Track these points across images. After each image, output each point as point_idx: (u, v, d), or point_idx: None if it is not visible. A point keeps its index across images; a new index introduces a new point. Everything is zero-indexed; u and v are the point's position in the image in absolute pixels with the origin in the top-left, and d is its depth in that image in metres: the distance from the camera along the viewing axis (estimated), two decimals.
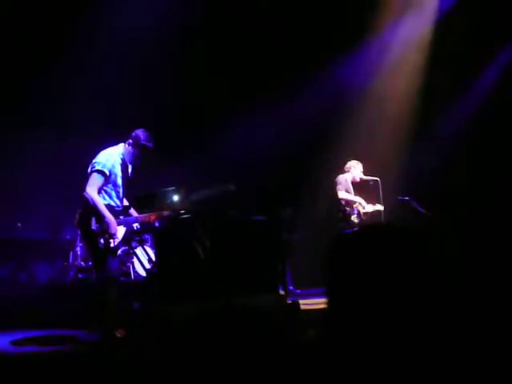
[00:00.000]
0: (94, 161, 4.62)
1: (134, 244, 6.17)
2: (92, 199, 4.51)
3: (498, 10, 7.46)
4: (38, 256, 7.84)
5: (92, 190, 4.52)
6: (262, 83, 8.06)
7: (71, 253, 7.98)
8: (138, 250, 6.33)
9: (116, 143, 4.81)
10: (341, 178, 6.98)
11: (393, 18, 7.96)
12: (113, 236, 4.57)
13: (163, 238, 5.67)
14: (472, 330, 1.24)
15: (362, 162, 7.14)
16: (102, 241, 4.58)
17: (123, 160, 4.75)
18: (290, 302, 5.08)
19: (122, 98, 7.53)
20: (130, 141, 4.68)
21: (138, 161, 4.75)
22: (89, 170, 4.61)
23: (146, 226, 5.25)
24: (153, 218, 4.86)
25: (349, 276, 1.21)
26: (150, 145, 4.68)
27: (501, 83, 8.05)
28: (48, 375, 3.32)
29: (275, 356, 1.14)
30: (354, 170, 7.07)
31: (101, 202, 4.57)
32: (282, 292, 7.15)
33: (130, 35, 6.94)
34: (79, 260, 8.00)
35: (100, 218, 4.53)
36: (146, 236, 7.25)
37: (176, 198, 5.23)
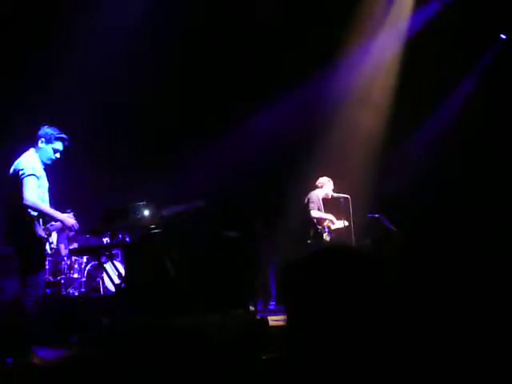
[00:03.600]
0: (20, 168, 4.36)
1: (103, 259, 6.14)
2: (34, 205, 4.32)
3: (465, 36, 7.71)
4: (7, 270, 7.70)
5: (32, 195, 4.31)
6: (235, 99, 8.16)
7: None
8: (108, 265, 6.28)
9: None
10: (313, 195, 7.06)
11: (363, 39, 8.15)
12: (74, 229, 4.59)
13: (133, 253, 5.65)
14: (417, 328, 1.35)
15: (333, 180, 7.25)
16: (47, 247, 4.59)
17: (42, 162, 4.56)
18: (259, 318, 5.11)
19: (97, 109, 7.53)
20: (43, 139, 4.52)
21: (58, 154, 4.59)
22: (20, 178, 4.34)
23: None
24: None
25: (301, 296, 1.31)
26: (65, 135, 4.61)
27: (467, 106, 8.30)
28: None
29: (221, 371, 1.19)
30: (326, 186, 7.17)
31: (43, 204, 4.42)
32: (252, 308, 7.16)
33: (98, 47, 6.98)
34: (47, 274, 7.90)
35: (44, 221, 4.47)
36: (116, 251, 7.23)
37: (146, 212, 5.22)
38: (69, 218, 4.53)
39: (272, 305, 7.78)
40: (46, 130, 4.55)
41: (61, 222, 4.51)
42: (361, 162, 8.30)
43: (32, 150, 4.54)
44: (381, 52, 8.29)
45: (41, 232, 4.44)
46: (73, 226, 4.53)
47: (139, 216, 5.14)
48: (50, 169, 4.73)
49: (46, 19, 6.97)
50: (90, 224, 5.75)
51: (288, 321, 1.37)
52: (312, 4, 7.65)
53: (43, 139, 4.52)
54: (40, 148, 4.53)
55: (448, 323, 1.39)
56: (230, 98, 8.18)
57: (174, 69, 7.90)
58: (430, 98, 8.27)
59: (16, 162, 4.49)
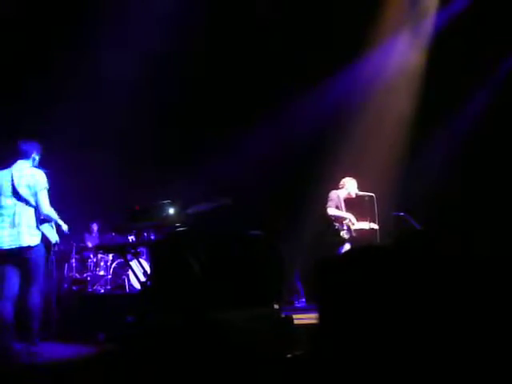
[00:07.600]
0: (38, 181, 4.78)
1: (129, 256, 6.20)
2: (52, 213, 4.83)
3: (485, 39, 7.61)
4: None
5: (49, 205, 4.81)
6: (258, 100, 8.16)
7: (66, 264, 8.00)
8: (133, 263, 6.34)
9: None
10: (333, 193, 7.00)
11: (388, 37, 8.08)
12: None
13: (158, 250, 5.68)
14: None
15: (357, 178, 7.19)
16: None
17: None
18: (283, 316, 5.08)
19: (121, 111, 7.61)
20: (35, 151, 4.94)
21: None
22: (35, 189, 4.76)
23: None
24: None
25: (335, 294, 1.29)
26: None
27: (491, 106, 8.16)
28: None
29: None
30: (349, 186, 7.11)
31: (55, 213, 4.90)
32: (276, 306, 7.14)
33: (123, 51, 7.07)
34: (74, 272, 8.02)
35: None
36: (141, 249, 7.30)
37: (172, 210, 5.25)
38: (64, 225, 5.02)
39: (302, 302, 7.75)
40: (33, 144, 4.98)
41: (61, 229, 5.00)
42: (387, 160, 8.22)
43: (29, 163, 4.93)
44: (407, 48, 8.21)
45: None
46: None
47: (164, 214, 5.18)
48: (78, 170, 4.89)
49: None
50: (116, 222, 5.82)
51: (320, 320, 1.36)
52: None
53: (35, 151, 4.95)
54: (34, 159, 4.96)
55: (478, 323, 1.37)
56: (257, 95, 8.18)
57: (199, 69, 7.95)
58: (459, 91, 8.13)
59: (28, 176, 4.82)
